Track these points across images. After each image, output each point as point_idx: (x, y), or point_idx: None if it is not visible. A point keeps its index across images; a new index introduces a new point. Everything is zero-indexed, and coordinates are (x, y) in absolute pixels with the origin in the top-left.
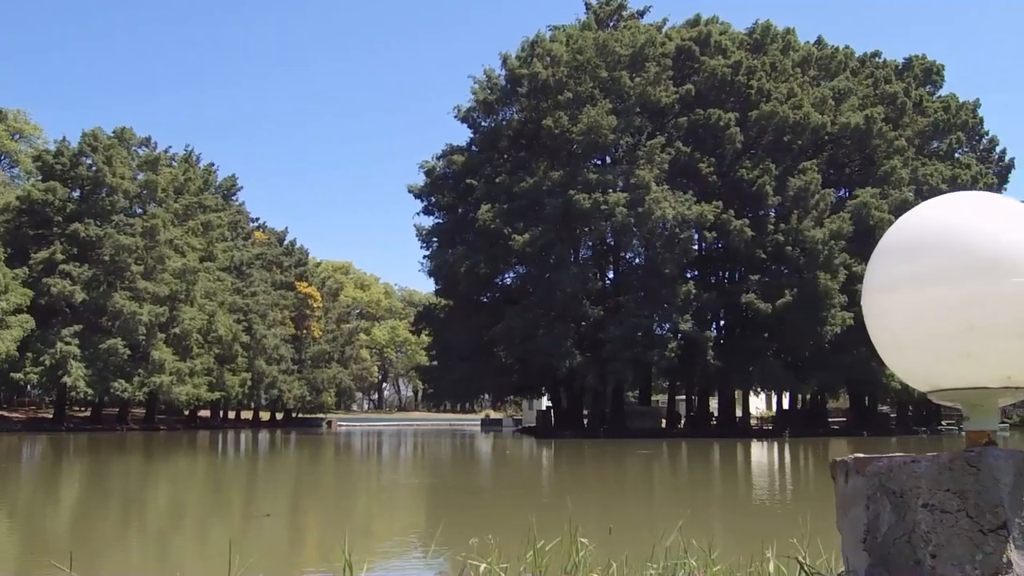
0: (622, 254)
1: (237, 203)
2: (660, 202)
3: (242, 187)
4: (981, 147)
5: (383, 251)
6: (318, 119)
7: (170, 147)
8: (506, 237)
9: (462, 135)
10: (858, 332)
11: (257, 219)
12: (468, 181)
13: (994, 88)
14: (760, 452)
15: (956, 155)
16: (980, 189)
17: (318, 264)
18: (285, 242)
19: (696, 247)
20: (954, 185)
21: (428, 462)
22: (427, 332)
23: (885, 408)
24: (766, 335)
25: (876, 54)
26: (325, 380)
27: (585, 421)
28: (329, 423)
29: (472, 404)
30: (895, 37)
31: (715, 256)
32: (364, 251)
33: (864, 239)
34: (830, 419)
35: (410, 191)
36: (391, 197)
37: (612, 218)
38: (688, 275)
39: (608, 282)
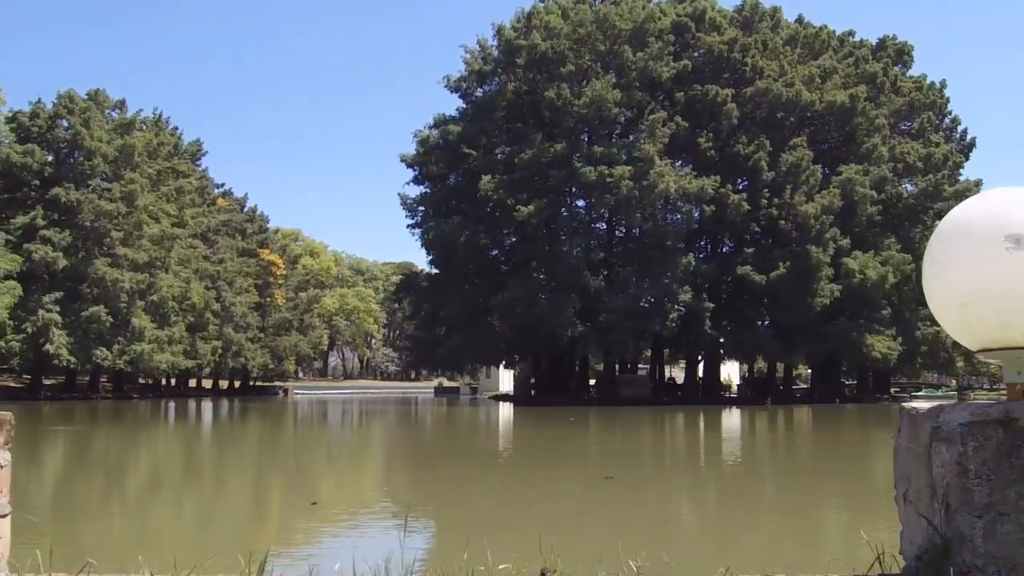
0: (621, 226)
1: (201, 168)
2: (664, 176)
3: (207, 152)
4: (944, 126)
5: (330, 218)
6: (268, 80)
7: (141, 110)
8: (508, 208)
9: (421, 104)
10: (840, 304)
11: (222, 184)
12: (467, 151)
13: (954, 67)
14: (810, 418)
15: (925, 134)
16: (949, 167)
17: (276, 231)
18: (245, 208)
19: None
20: (928, 163)
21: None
22: (409, 301)
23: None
24: (757, 306)
25: (850, 33)
26: (287, 348)
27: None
28: (285, 391)
29: (418, 372)
30: (853, 15)
31: (710, 228)
32: (310, 218)
33: (847, 214)
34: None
35: (402, 160)
36: (339, 164)
37: (617, 191)
38: (680, 246)
39: (606, 253)
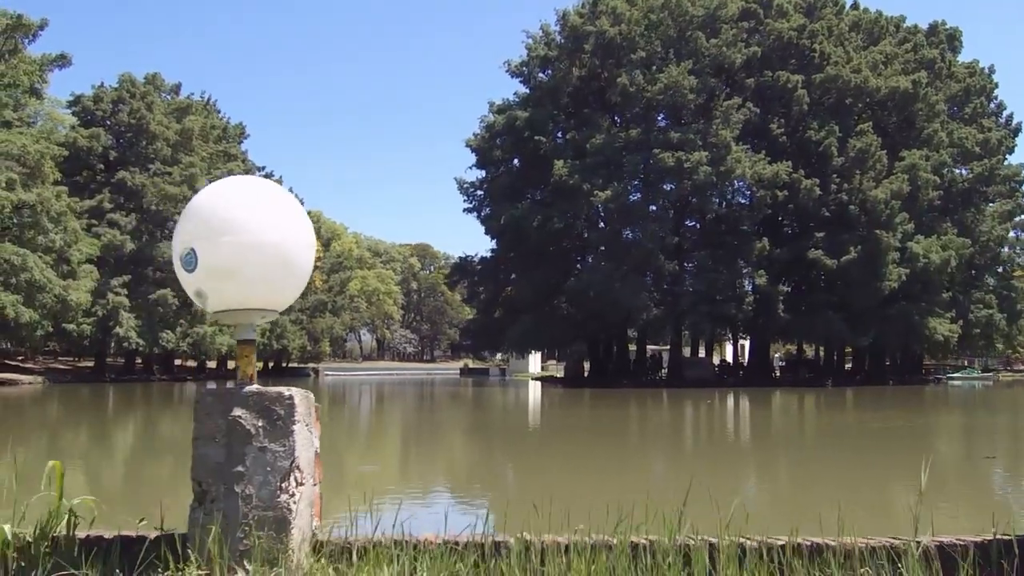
0: (694, 211)
1: (243, 151)
2: (740, 161)
3: (249, 135)
4: (989, 111)
5: (343, 198)
6: (267, 60)
7: (192, 94)
8: (582, 192)
9: (427, 90)
10: (901, 287)
11: (263, 167)
12: (533, 136)
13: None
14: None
15: (977, 119)
16: (1002, 152)
17: (308, 213)
18: None
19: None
20: (985, 148)
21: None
22: (463, 286)
23: None
24: (825, 289)
25: (902, 19)
26: (323, 330)
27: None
28: (316, 372)
29: (432, 353)
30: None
31: (780, 213)
32: (327, 200)
33: (909, 199)
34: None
35: (468, 145)
36: (349, 143)
37: (694, 176)
38: (754, 231)
39: (679, 238)
